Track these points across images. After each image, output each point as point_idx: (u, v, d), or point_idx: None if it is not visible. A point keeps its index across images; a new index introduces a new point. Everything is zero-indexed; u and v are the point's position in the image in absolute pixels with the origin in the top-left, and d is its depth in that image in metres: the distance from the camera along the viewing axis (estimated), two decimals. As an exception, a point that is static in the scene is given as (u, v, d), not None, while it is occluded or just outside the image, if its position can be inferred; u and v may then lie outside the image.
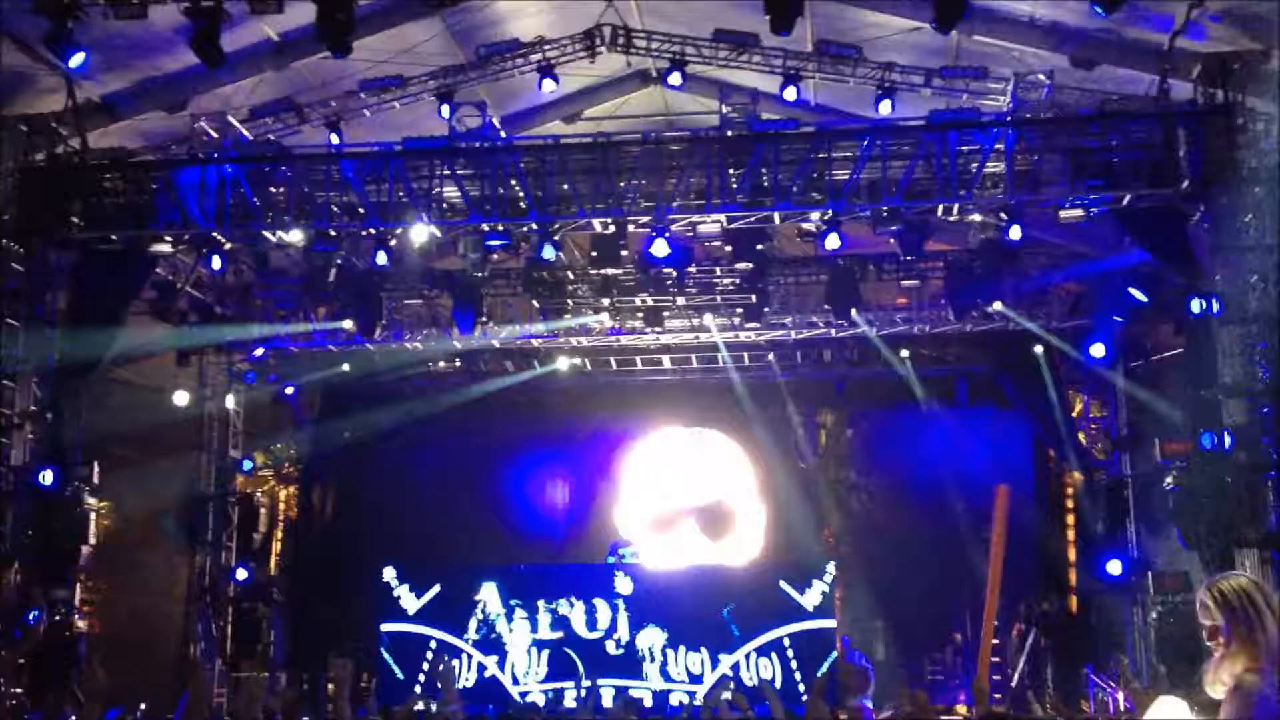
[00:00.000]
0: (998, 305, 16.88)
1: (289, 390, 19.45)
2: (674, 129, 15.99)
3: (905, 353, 18.64)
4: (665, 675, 19.60)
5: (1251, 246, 13.70)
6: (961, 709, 16.78)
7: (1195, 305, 13.93)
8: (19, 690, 14.17)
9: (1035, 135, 14.55)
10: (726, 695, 16.52)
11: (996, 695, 16.05)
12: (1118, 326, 16.79)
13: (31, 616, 14.95)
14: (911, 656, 19.24)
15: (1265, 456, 13.59)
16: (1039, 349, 17.84)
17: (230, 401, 19.22)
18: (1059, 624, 17.61)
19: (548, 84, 15.48)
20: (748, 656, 18.90)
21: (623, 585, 20.12)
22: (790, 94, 15.23)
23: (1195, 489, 14.26)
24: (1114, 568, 16.90)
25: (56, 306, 15.57)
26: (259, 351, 18.93)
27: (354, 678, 17.44)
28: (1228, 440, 13.72)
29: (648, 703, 17.76)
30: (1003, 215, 14.76)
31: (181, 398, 17.93)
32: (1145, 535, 16.79)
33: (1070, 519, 19.15)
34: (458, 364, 19.86)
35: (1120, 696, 16.27)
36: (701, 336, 18.73)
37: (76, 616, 15.83)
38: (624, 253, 16.16)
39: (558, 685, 19.25)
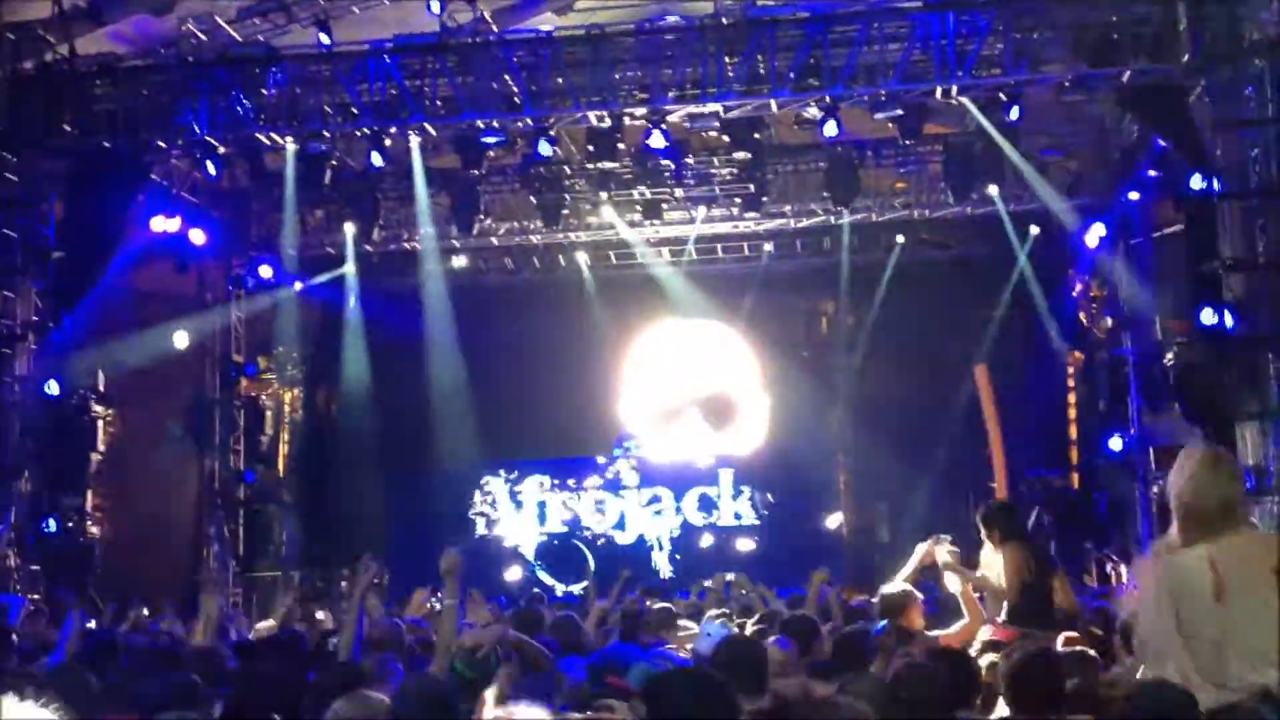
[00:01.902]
0: (993, 188, 16.83)
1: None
2: (667, 17, 15.73)
3: (900, 238, 18.62)
4: (674, 563, 19.95)
5: (1252, 120, 13.61)
6: None
7: (1196, 181, 13.87)
8: (35, 597, 14.37)
9: (1034, 12, 14.33)
10: (730, 577, 16.70)
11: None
12: (1117, 205, 16.76)
13: (45, 525, 15.16)
14: (914, 539, 19.45)
15: (1265, 330, 13.65)
16: (1034, 229, 17.86)
17: (232, 306, 19.25)
18: (1061, 501, 17.80)
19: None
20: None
21: (629, 477, 20.38)
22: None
23: (1196, 364, 14.36)
24: (1115, 444, 17.06)
25: (52, 216, 15.55)
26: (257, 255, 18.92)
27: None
28: (1228, 316, 13.76)
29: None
30: (1002, 95, 14.63)
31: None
32: (1146, 412, 16.88)
33: (1071, 398, 19.28)
34: (457, 262, 19.82)
35: (1124, 569, 16.53)
36: (701, 228, 18.70)
37: (89, 523, 16.02)
38: (621, 146, 16.05)
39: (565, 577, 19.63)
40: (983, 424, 18.90)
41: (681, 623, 9.32)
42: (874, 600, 8.86)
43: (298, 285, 19.33)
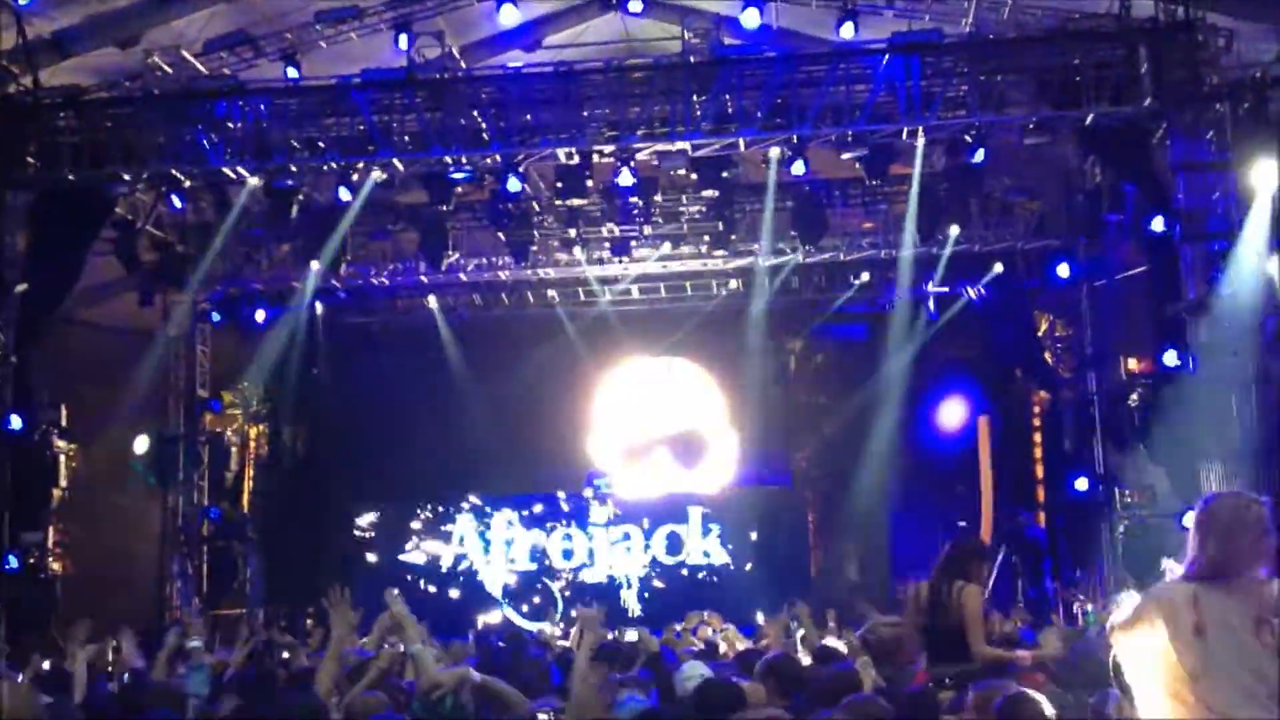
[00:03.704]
0: (955, 229, 16.88)
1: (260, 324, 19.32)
2: (635, 56, 15.82)
3: (865, 275, 18.66)
4: (643, 601, 19.85)
5: (1213, 163, 13.74)
6: None
7: (1158, 223, 13.98)
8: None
9: (998, 56, 14.49)
10: (704, 616, 16.65)
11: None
12: (1082, 246, 16.88)
13: (6, 561, 14.97)
14: (883, 578, 19.45)
15: (1228, 372, 13.72)
16: (998, 267, 17.92)
17: (197, 341, 19.15)
18: (1028, 541, 17.81)
19: (508, 11, 15.23)
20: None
21: (598, 515, 20.29)
22: (753, 18, 15.06)
23: (1160, 405, 14.42)
24: (1081, 484, 17.09)
25: (15, 248, 15.42)
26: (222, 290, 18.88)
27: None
28: (1191, 357, 13.85)
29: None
30: (967, 137, 14.74)
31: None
32: (1111, 451, 16.94)
33: (1037, 437, 19.33)
34: (428, 300, 19.78)
35: (1090, 608, 16.52)
36: (669, 266, 18.71)
37: (50, 560, 15.84)
38: (589, 183, 16.08)
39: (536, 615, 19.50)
40: (954, 463, 18.94)
41: None
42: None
43: (264, 320, 19.18)
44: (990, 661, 7.71)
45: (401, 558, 20.18)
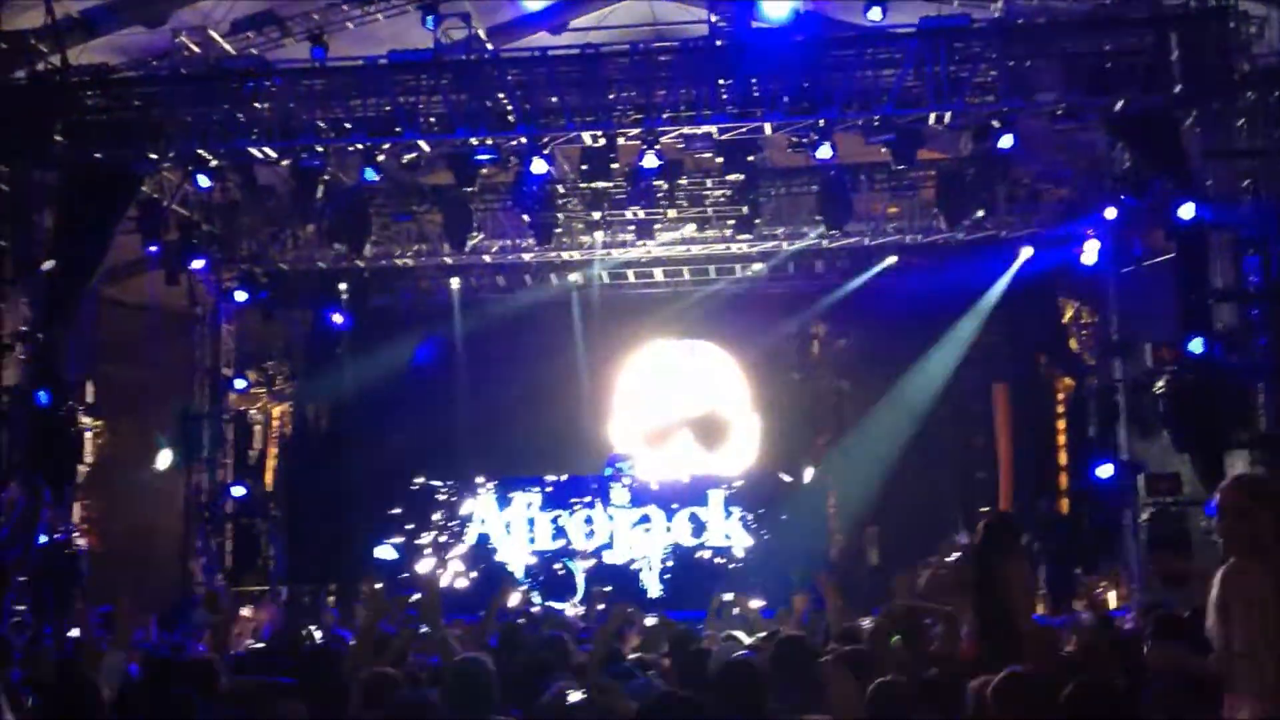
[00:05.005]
0: (980, 213, 16.82)
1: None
2: (661, 39, 15.78)
3: (893, 258, 18.59)
4: (663, 583, 19.89)
5: (1243, 151, 13.65)
6: None
7: (1186, 210, 13.89)
8: (22, 608, 14.34)
9: (1027, 41, 14.39)
10: (728, 597, 16.58)
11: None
12: (1108, 232, 16.79)
13: (35, 537, 15.09)
14: (905, 562, 19.38)
15: (1255, 359, 13.67)
16: (1027, 250, 17.84)
17: (222, 320, 19.25)
18: (1051, 527, 17.78)
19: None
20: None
21: (620, 496, 20.31)
22: (778, 9, 14.99)
23: (1186, 392, 14.36)
24: (1105, 471, 17.03)
25: (43, 226, 15.50)
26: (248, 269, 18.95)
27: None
28: (1217, 345, 13.79)
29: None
30: (995, 123, 14.66)
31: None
32: (1136, 438, 16.86)
33: (1061, 424, 19.26)
34: (451, 280, 19.82)
35: (1112, 596, 16.48)
36: (693, 249, 18.70)
37: (76, 535, 15.96)
38: (614, 166, 16.06)
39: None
40: (976, 447, 18.87)
41: None
42: (865, 623, 8.79)
43: (290, 299, 19.26)
44: (1035, 637, 7.70)
45: (376, 552, 20.14)
